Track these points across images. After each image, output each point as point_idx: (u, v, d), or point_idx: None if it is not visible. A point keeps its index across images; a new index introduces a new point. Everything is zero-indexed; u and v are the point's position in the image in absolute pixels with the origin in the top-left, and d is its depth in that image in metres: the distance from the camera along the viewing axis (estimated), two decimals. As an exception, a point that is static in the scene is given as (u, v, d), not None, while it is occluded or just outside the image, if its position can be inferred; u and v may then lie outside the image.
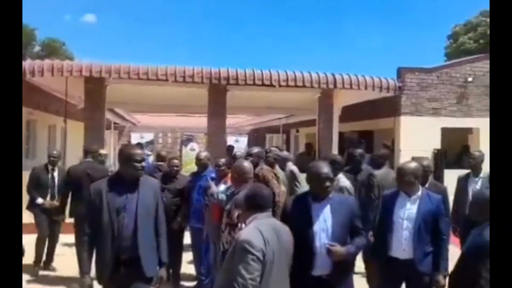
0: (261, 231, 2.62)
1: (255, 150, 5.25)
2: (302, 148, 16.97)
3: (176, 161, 6.18)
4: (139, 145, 10.27)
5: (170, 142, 19.76)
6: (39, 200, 6.39)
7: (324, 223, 3.15)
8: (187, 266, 6.26)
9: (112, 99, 9.53)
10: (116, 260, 3.21)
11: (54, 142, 11.94)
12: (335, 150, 9.96)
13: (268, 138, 20.14)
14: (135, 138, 19.18)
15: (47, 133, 11.49)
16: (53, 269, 6.53)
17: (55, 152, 6.83)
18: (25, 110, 9.16)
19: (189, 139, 17.36)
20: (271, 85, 9.12)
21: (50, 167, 6.59)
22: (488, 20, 28.33)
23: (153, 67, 8.70)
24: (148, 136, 18.99)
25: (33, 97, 9.54)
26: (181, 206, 5.78)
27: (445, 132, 10.36)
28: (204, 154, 5.79)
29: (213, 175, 5.58)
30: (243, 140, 19.99)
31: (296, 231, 2.95)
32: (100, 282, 3.29)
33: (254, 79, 9.01)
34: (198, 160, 5.73)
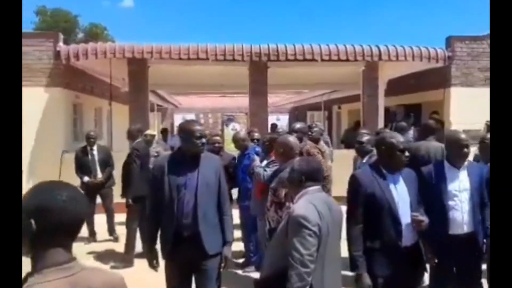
0: (315, 205, 2.55)
1: (298, 125, 5.12)
2: (344, 125, 16.68)
3: (217, 137, 6.16)
4: (165, 130, 10.36)
5: (212, 122, 19.87)
6: (85, 178, 6.84)
7: (402, 194, 3.07)
8: (236, 243, 6.27)
9: (154, 81, 9.60)
10: (179, 236, 3.19)
11: (100, 125, 12.21)
12: (380, 125, 9.67)
13: (309, 116, 19.88)
14: (177, 119, 19.42)
15: (93, 116, 11.74)
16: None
17: (92, 132, 7.19)
18: (71, 94, 9.35)
19: (230, 119, 17.39)
20: (313, 60, 8.89)
21: (88, 148, 6.97)
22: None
23: (193, 46, 8.67)
24: (190, 117, 19.13)
25: (78, 80, 9.72)
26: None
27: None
28: (239, 135, 5.74)
29: (257, 149, 5.54)
30: (284, 119, 19.85)
31: (377, 204, 2.98)
32: (163, 257, 3.31)
33: (295, 54, 8.81)
34: (235, 142, 5.69)
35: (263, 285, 2.69)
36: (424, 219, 3.01)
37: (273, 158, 4.80)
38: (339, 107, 17.76)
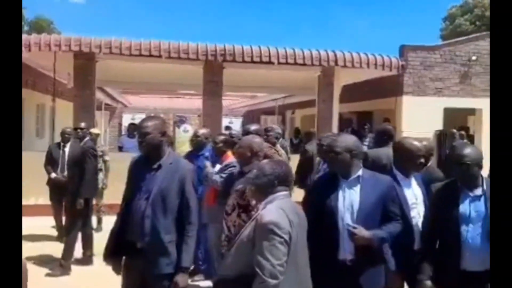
0: (285, 211, 2.37)
1: (253, 127, 4.87)
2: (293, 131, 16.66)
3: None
4: (133, 125, 9.89)
5: (163, 123, 19.27)
6: (52, 175, 6.64)
7: (350, 203, 2.84)
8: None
9: (102, 77, 9.07)
10: (132, 244, 2.87)
11: (43, 122, 11.49)
12: (335, 130, 9.64)
13: (262, 120, 19.77)
14: (126, 119, 18.71)
15: (35, 113, 11.01)
16: None
17: (68, 129, 6.91)
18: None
19: (182, 121, 16.85)
20: (270, 62, 8.74)
21: (62, 144, 6.78)
22: (485, 1, 27.99)
23: (145, 42, 8.28)
24: (140, 117, 18.50)
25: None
26: None
27: (447, 112, 10.07)
28: (202, 131, 5.42)
29: (207, 154, 5.24)
30: (238, 122, 19.62)
31: (320, 209, 2.79)
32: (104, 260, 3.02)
33: (252, 56, 8.62)
34: (196, 137, 5.37)
35: (224, 285, 2.48)
36: (362, 232, 2.74)
37: (228, 161, 4.55)
38: (293, 112, 17.79)
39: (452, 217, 2.87)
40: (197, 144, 5.31)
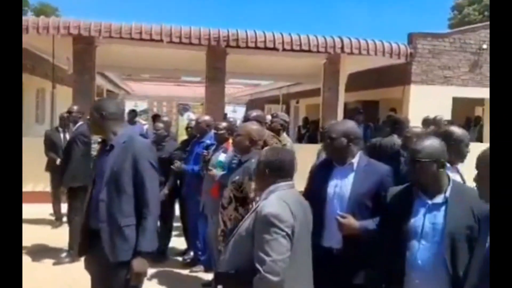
0: (288, 203, 2.19)
1: (255, 113, 4.64)
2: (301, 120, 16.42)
3: (161, 124, 5.60)
4: (133, 111, 9.68)
5: (166, 111, 19.14)
6: (58, 160, 6.37)
7: (341, 190, 2.71)
8: (178, 239, 5.94)
9: (103, 62, 8.85)
10: (91, 229, 2.75)
11: (43, 108, 11.30)
12: (340, 119, 9.41)
13: (266, 109, 19.53)
14: (128, 106, 18.53)
15: (35, 98, 10.81)
16: None
17: (66, 114, 6.74)
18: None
19: (186, 108, 16.70)
20: (274, 49, 8.47)
21: (61, 129, 6.75)
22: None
23: (146, 26, 8.02)
24: (142, 105, 18.33)
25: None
26: (168, 176, 5.24)
27: (456, 102, 9.81)
28: (204, 118, 5.21)
29: (209, 141, 5.04)
30: (241, 110, 19.39)
31: (311, 196, 2.64)
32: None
33: (256, 41, 8.35)
34: (197, 123, 5.17)
35: (225, 279, 2.28)
36: (350, 222, 2.57)
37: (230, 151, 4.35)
38: (297, 102, 17.53)
39: (401, 230, 2.35)
40: (198, 130, 5.11)
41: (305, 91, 14.98)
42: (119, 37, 7.88)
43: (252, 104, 20.60)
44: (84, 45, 8.19)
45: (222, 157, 4.44)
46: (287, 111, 18.43)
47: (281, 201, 2.20)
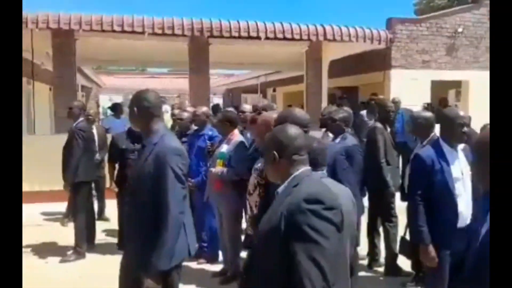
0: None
1: (261, 103, 4.69)
2: (280, 107, 16.52)
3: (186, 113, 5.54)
4: (118, 104, 9.47)
5: (141, 104, 18.80)
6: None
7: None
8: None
9: (83, 56, 8.64)
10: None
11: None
12: (324, 106, 9.52)
13: (243, 98, 19.52)
14: (103, 100, 18.18)
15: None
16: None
17: (91, 111, 6.78)
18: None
19: (162, 101, 16.48)
20: (257, 38, 8.47)
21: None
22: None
23: (128, 17, 7.87)
24: (117, 98, 17.98)
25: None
26: None
27: (434, 85, 10.07)
28: (203, 109, 5.17)
29: (211, 133, 5.02)
30: (218, 101, 19.31)
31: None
32: None
33: (239, 31, 8.32)
34: (195, 116, 5.13)
35: None
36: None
37: (235, 139, 4.34)
38: (274, 90, 17.59)
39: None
40: (198, 123, 5.07)
41: (282, 79, 15.05)
42: (100, 30, 7.71)
43: (229, 94, 20.55)
44: (64, 39, 7.97)
45: (224, 148, 4.42)
46: (264, 99, 18.49)
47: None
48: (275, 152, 1.83)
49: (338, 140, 4.18)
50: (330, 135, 4.91)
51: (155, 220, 2.41)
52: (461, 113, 3.21)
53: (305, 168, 1.86)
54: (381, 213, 4.93)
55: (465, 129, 3.14)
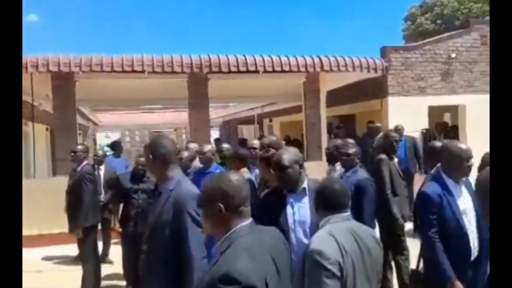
0: (335, 237, 2.05)
1: (267, 140, 4.64)
2: (277, 137, 16.56)
3: (143, 159, 5.52)
4: (117, 143, 9.43)
5: (138, 140, 18.80)
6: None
7: (300, 217, 2.79)
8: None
9: (82, 97, 8.66)
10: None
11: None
12: (323, 136, 9.57)
13: (239, 130, 19.59)
14: (100, 138, 18.12)
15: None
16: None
17: (100, 151, 7.06)
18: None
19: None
20: (256, 71, 8.56)
21: (96, 166, 6.51)
22: (443, 0, 28.86)
23: (127, 57, 7.94)
24: (115, 135, 17.97)
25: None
26: None
27: (431, 110, 10.17)
28: (208, 147, 5.16)
29: (218, 171, 4.98)
30: (215, 133, 19.34)
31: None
32: None
33: (238, 65, 8.41)
34: (202, 154, 5.10)
35: None
36: None
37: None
38: (270, 120, 17.67)
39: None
40: (205, 160, 5.05)
41: (278, 110, 15.16)
42: (100, 71, 7.76)
43: (226, 126, 20.60)
44: (64, 81, 8.00)
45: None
46: (261, 130, 18.55)
47: (327, 235, 2.07)
48: (220, 204, 1.73)
49: (349, 173, 4.17)
50: (337, 168, 4.92)
51: (177, 267, 2.38)
52: (464, 146, 3.12)
53: (245, 224, 1.76)
54: (392, 246, 4.89)
55: (471, 162, 3.08)
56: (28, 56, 7.46)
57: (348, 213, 2.25)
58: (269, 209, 2.84)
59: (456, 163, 3.08)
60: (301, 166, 2.82)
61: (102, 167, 6.80)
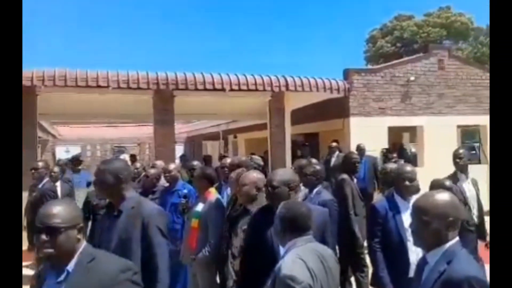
0: (305, 261, 2.13)
1: (237, 159, 4.73)
2: (242, 153, 16.62)
3: (153, 171, 5.51)
4: (77, 159, 9.26)
5: (100, 154, 18.43)
6: None
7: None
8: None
9: (43, 111, 8.47)
10: None
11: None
12: (288, 154, 9.72)
13: (204, 146, 19.56)
14: (59, 152, 17.63)
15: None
16: None
17: (55, 168, 6.72)
18: None
19: (121, 151, 16.26)
20: (222, 90, 8.64)
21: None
22: (403, 23, 30.04)
23: (92, 72, 7.85)
24: (75, 149, 17.54)
25: None
26: None
27: (391, 131, 10.54)
28: (174, 165, 5.17)
29: (185, 190, 4.98)
30: (180, 149, 19.22)
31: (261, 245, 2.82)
32: None
33: (204, 83, 8.47)
34: (167, 172, 5.10)
35: None
36: None
37: (210, 199, 4.29)
38: (235, 137, 17.75)
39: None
40: (171, 179, 5.04)
41: (243, 127, 15.26)
42: (63, 85, 7.63)
43: (191, 141, 20.51)
44: (25, 96, 7.77)
45: (200, 207, 4.35)
46: (226, 146, 18.60)
47: (297, 259, 2.14)
48: None
49: (313, 195, 4.28)
50: (302, 189, 5.03)
51: (144, 278, 2.38)
52: (407, 168, 3.50)
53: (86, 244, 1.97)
54: (352, 263, 5.04)
55: (407, 183, 3.38)
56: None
57: (311, 235, 2.33)
58: (261, 228, 2.89)
59: (402, 184, 3.39)
60: (291, 189, 2.89)
61: (58, 184, 6.58)
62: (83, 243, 1.89)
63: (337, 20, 62.72)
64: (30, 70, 7.50)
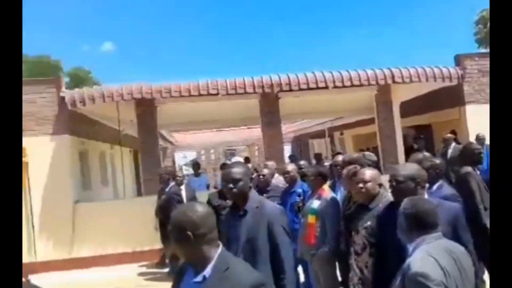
0: (436, 258, 2.04)
1: (349, 157, 4.73)
2: (349, 150, 16.37)
3: (266, 170, 5.74)
4: (196, 164, 9.90)
5: (214, 158, 19.47)
6: None
7: None
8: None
9: (162, 121, 9.26)
10: None
11: (105, 170, 11.71)
12: (400, 149, 9.42)
13: (310, 144, 19.65)
14: (178, 158, 18.99)
15: (98, 162, 11.25)
16: None
17: (179, 172, 7.08)
18: (77, 140, 8.89)
19: (232, 153, 17.02)
20: (326, 88, 8.66)
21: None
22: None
23: (203, 82, 8.39)
24: (191, 155, 18.75)
25: (83, 126, 9.26)
26: None
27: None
28: (292, 166, 5.32)
29: (300, 190, 5.09)
30: (287, 149, 19.55)
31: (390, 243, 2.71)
32: None
33: (307, 83, 8.57)
34: (286, 173, 5.23)
35: None
36: None
37: (325, 196, 4.34)
38: (341, 133, 17.56)
39: None
40: (290, 180, 5.17)
41: (349, 123, 15.05)
42: (179, 96, 8.25)
43: (297, 141, 20.75)
44: (146, 107, 8.61)
45: (315, 204, 4.41)
46: (332, 144, 18.49)
47: (428, 256, 2.05)
48: (189, 232, 1.83)
49: (433, 190, 4.13)
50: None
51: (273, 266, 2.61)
52: None
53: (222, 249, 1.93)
54: (485, 261, 4.73)
55: None
56: (113, 86, 8.16)
57: (440, 232, 2.22)
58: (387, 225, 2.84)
59: None
60: (417, 184, 2.79)
61: (183, 187, 7.12)
62: (220, 248, 1.92)
63: (442, 2, 58.67)
64: (149, 84, 8.24)
